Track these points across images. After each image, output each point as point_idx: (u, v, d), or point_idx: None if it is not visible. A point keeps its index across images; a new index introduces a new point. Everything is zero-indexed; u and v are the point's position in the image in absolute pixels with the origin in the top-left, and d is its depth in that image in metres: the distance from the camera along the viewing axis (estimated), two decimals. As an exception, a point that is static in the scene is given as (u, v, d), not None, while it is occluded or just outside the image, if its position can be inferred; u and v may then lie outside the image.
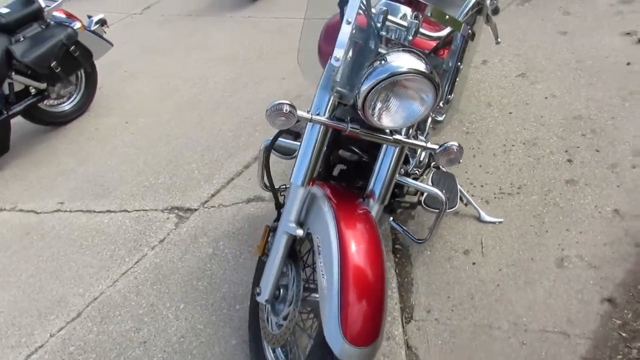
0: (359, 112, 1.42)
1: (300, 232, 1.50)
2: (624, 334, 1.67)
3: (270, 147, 1.66)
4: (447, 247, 2.11)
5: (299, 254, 1.63)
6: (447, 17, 1.42)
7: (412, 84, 1.34)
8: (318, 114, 1.45)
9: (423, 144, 1.55)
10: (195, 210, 2.66)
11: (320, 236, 1.41)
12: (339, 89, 1.42)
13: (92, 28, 3.64)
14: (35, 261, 2.55)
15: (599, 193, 2.18)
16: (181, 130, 3.37)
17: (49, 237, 2.69)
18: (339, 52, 1.36)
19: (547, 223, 2.11)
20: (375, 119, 1.41)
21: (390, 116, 1.41)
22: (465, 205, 2.22)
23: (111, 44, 3.82)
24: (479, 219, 2.19)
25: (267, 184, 2.05)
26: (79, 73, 3.72)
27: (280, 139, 2.00)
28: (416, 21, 1.47)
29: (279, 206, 1.64)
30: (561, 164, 2.37)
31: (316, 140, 1.49)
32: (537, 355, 1.67)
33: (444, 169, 2.15)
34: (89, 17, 3.72)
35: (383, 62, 1.35)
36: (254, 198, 2.64)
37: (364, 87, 1.35)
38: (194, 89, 3.86)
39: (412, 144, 1.54)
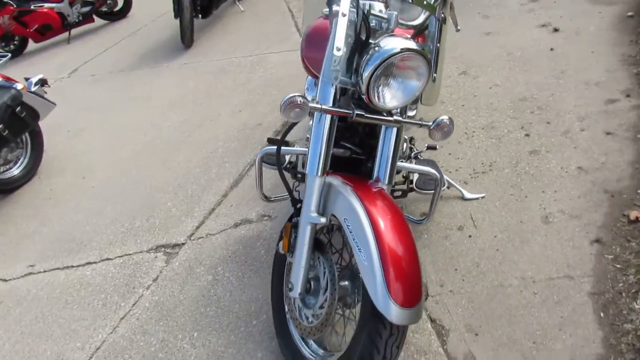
0: (363, 97, 1.55)
1: (323, 220, 1.57)
2: (618, 265, 1.86)
3: (280, 144, 1.74)
4: (441, 228, 2.24)
5: (324, 242, 1.69)
6: (425, 2, 1.60)
7: (408, 62, 1.49)
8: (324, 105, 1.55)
9: (419, 121, 1.70)
10: (183, 244, 2.64)
11: (348, 216, 1.48)
12: (342, 78, 1.54)
13: (33, 89, 3.57)
14: (16, 327, 2.40)
15: (560, 156, 2.43)
16: (146, 175, 3.34)
17: (26, 301, 2.55)
18: (339, 42, 1.49)
19: (524, 189, 2.32)
20: (379, 100, 1.53)
21: (392, 95, 1.54)
22: (448, 188, 2.38)
23: (54, 104, 3.75)
24: (462, 198, 2.36)
25: (266, 194, 2.13)
26: (24, 136, 3.60)
27: (268, 148, 2.09)
28: (394, 12, 1.63)
29: (295, 202, 1.70)
30: (521, 139, 2.61)
31: (325, 130, 1.58)
32: (551, 300, 1.82)
33: (423, 158, 2.31)
34: (27, 79, 3.65)
35: (377, 48, 1.50)
36: (241, 222, 2.67)
37: (367, 73, 1.49)
38: (148, 136, 3.85)
39: (409, 122, 1.69)
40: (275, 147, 2.08)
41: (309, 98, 2.04)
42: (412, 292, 1.39)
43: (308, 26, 1.94)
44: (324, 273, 1.63)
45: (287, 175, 2.12)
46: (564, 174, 2.33)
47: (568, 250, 1.97)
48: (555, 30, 3.47)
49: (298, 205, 1.70)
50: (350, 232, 1.47)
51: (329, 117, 1.58)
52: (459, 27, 1.97)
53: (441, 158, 2.64)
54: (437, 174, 1.98)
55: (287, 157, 2.34)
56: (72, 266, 2.72)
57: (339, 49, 1.50)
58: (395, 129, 1.68)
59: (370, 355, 1.43)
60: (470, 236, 2.17)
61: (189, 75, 4.75)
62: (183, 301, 2.29)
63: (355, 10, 1.53)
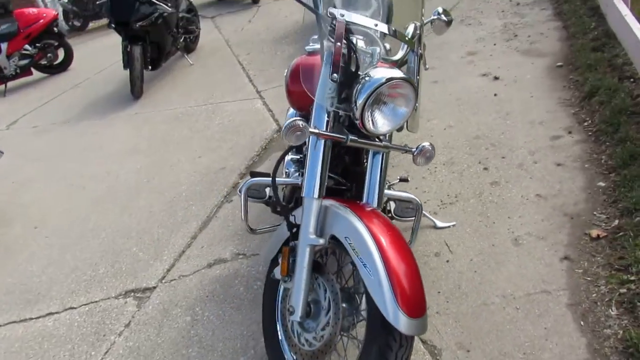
0: (356, 122, 1.65)
1: (322, 241, 1.61)
2: (588, 278, 2.01)
3: (277, 165, 1.79)
4: (419, 255, 2.33)
5: (322, 264, 1.72)
6: (407, 38, 1.76)
7: (397, 89, 1.61)
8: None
9: (404, 147, 1.82)
10: (155, 287, 2.55)
11: (349, 234, 1.54)
12: (337, 105, 1.64)
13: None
14: (-31, 389, 2.19)
15: (519, 186, 2.62)
16: (105, 222, 3.22)
17: (-22, 360, 2.34)
18: (336, 69, 1.60)
19: (491, 217, 2.47)
20: (372, 126, 1.64)
21: (384, 121, 1.66)
22: (420, 218, 2.49)
23: (1, 152, 3.60)
24: (435, 227, 2.48)
25: (251, 227, 2.14)
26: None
27: (254, 180, 2.13)
28: (377, 48, 1.77)
29: (292, 227, 1.73)
30: (480, 172, 2.80)
31: (320, 154, 1.65)
32: (533, 313, 1.92)
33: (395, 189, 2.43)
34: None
35: (368, 77, 1.61)
36: (215, 262, 2.63)
37: (361, 99, 1.59)
38: (104, 183, 3.74)
39: (397, 147, 1.80)
40: (260, 178, 2.13)
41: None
42: (418, 303, 1.44)
43: (291, 64, 2.05)
44: (325, 294, 1.65)
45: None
46: (525, 201, 2.51)
47: (541, 268, 2.11)
48: (496, 78, 3.81)
49: (294, 230, 1.72)
50: (353, 249, 1.52)
51: (323, 142, 1.65)
52: (427, 66, 2.14)
53: (409, 191, 2.76)
54: (417, 200, 2.09)
55: (267, 191, 2.38)
56: (31, 318, 2.54)
57: (335, 78, 1.61)
58: (382, 154, 1.78)
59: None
60: (447, 261, 2.27)
61: (141, 124, 4.71)
62: (161, 344, 2.19)
63: (346, 43, 1.65)
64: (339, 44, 1.62)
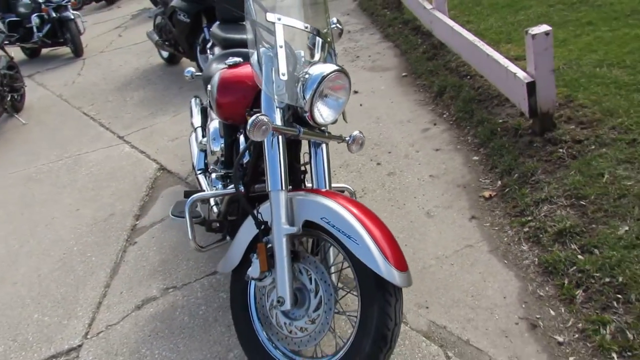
0: (304, 115, 1.81)
1: (296, 229, 1.71)
2: (496, 228, 2.42)
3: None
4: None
5: (299, 251, 1.80)
6: (328, 39, 1.98)
7: (338, 80, 1.82)
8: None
9: (341, 137, 2.02)
10: (80, 345, 2.32)
11: (325, 214, 1.67)
12: (287, 102, 1.78)
13: None
14: None
15: (412, 172, 3.01)
16: (-17, 297, 2.80)
17: None
18: (283, 69, 1.75)
19: (400, 200, 2.79)
20: (320, 116, 1.82)
21: (328, 111, 1.85)
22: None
23: None
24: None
25: (200, 245, 2.13)
26: None
27: (197, 196, 2.13)
28: (301, 50, 1.96)
29: (260, 224, 1.79)
30: (375, 167, 3.15)
31: (280, 148, 1.76)
32: (466, 265, 2.24)
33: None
34: None
35: (309, 74, 1.80)
36: (143, 302, 2.49)
37: (309, 93, 1.76)
38: (-38, 259, 3.22)
39: (337, 138, 1.99)
40: (203, 193, 2.13)
41: (217, 147, 2.20)
42: (402, 259, 1.63)
43: (215, 78, 2.11)
44: (309, 277, 1.74)
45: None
46: (422, 182, 2.90)
47: (457, 229, 2.47)
48: (356, 92, 4.27)
49: (262, 227, 1.79)
50: (333, 226, 1.65)
51: (279, 137, 1.77)
52: (346, 120, 2.31)
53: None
54: (351, 188, 2.30)
55: (201, 211, 2.37)
56: None
57: (284, 74, 1.76)
58: (325, 145, 1.96)
59: (385, 325, 1.58)
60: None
61: (-13, 191, 4.15)
62: (117, 395, 2.01)
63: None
64: (281, 45, 1.78)
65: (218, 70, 2.71)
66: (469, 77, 3.76)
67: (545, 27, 2.54)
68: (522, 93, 2.71)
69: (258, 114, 1.67)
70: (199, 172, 2.73)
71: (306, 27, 1.87)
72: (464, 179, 2.84)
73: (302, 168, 2.16)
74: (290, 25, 1.83)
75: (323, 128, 1.94)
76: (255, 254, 1.81)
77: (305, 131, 1.82)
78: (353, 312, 1.86)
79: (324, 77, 1.77)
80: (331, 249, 1.85)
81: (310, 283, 1.74)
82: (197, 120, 3.14)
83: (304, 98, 1.77)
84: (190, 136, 3.22)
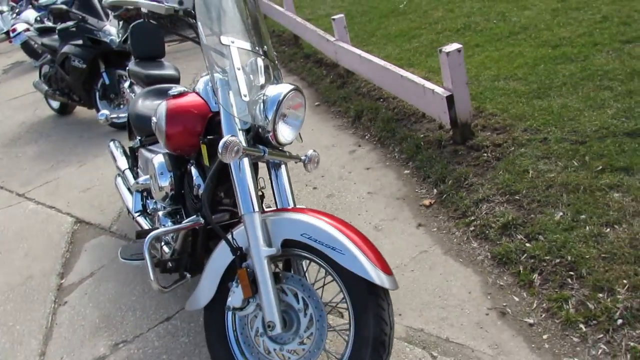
0: (267, 135, 1.80)
1: (274, 250, 1.68)
2: (444, 231, 2.54)
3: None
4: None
5: (279, 272, 1.75)
6: (274, 61, 2.01)
7: (296, 99, 1.84)
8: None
9: (297, 156, 2.03)
10: None
11: (305, 230, 1.65)
12: (251, 122, 1.76)
13: None
14: None
15: (350, 191, 3.09)
16: None
17: None
18: (244, 89, 1.75)
19: (346, 218, 2.82)
20: (282, 136, 1.82)
21: (289, 130, 1.85)
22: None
23: None
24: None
25: (163, 285, 1.99)
26: None
27: (156, 232, 1.99)
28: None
29: (235, 250, 1.72)
30: (313, 192, 3.17)
31: (247, 170, 1.73)
32: (426, 269, 2.33)
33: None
34: None
35: (266, 95, 1.80)
36: (92, 363, 2.25)
37: (271, 113, 1.76)
38: None
39: (294, 157, 2.00)
40: (163, 229, 2.01)
41: (166, 182, 2.12)
42: (385, 262, 1.66)
43: (160, 110, 2.02)
44: (297, 296, 1.70)
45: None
46: (363, 199, 2.97)
47: (408, 238, 2.56)
48: (273, 124, 4.30)
49: (239, 253, 1.72)
50: (315, 241, 1.64)
51: (246, 159, 1.74)
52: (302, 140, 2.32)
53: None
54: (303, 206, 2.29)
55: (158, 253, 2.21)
56: None
57: (246, 95, 1.75)
58: (284, 165, 1.96)
59: (383, 330, 1.58)
60: (335, 262, 2.51)
61: None
62: None
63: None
64: (239, 67, 1.77)
65: (155, 104, 2.61)
66: (382, 100, 3.98)
67: (456, 45, 2.79)
68: (442, 106, 2.92)
69: (227, 136, 1.63)
70: (137, 214, 2.56)
71: (257, 49, 1.88)
72: (400, 191, 2.96)
73: (260, 192, 2.13)
74: (242, 48, 1.83)
75: (282, 148, 1.93)
76: (234, 282, 1.73)
77: (269, 151, 1.81)
78: (341, 325, 1.85)
79: (284, 97, 1.78)
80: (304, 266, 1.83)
81: (298, 302, 1.70)
82: (122, 162, 2.96)
83: (266, 118, 1.76)
84: (116, 181, 3.02)
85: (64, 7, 4.68)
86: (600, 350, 1.75)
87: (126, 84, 3.13)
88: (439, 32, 4.97)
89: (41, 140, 5.30)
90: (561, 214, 2.27)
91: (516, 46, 4.11)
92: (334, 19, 4.40)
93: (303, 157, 2.05)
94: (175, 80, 2.95)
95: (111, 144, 3.27)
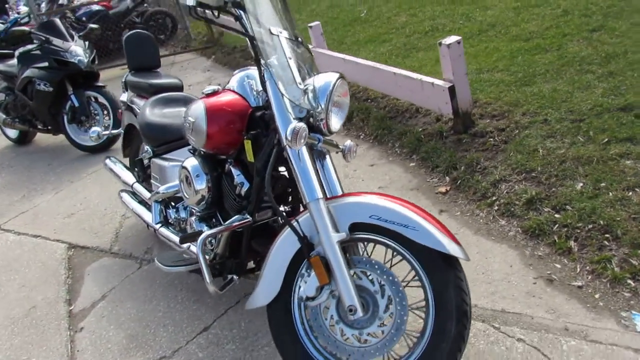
0: (320, 124, 1.81)
1: (345, 235, 1.67)
2: (468, 214, 2.61)
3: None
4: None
5: (350, 257, 1.74)
6: (308, 48, 2.02)
7: (343, 86, 1.87)
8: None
9: (338, 146, 2.05)
10: None
11: (373, 212, 1.66)
12: (308, 108, 1.76)
13: None
14: None
15: (359, 188, 3.11)
16: None
17: None
18: (298, 77, 1.76)
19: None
20: (332, 123, 1.84)
21: (337, 117, 1.87)
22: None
23: None
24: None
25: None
26: None
27: (210, 232, 1.93)
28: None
29: (303, 240, 1.70)
30: (322, 193, 3.16)
31: (307, 159, 1.73)
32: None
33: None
34: None
35: (315, 84, 1.81)
36: (134, 383, 2.13)
37: (323, 101, 1.77)
38: None
39: (336, 147, 2.01)
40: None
41: (203, 185, 2.06)
42: (453, 235, 1.69)
43: (197, 110, 1.97)
44: (371, 279, 1.69)
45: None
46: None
47: (433, 224, 2.60)
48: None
49: (306, 241, 1.70)
50: (386, 221, 1.65)
51: (304, 147, 1.73)
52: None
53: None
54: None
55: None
56: None
57: (301, 84, 1.76)
58: (328, 154, 1.95)
59: (464, 301, 1.61)
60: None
61: None
62: None
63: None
64: (290, 57, 1.78)
65: (170, 111, 2.56)
66: (370, 100, 4.06)
67: (456, 37, 2.91)
68: (444, 98, 3.03)
69: (294, 123, 1.63)
70: (159, 225, 2.47)
71: (298, 39, 1.89)
72: (412, 183, 3.03)
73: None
74: (287, 38, 1.83)
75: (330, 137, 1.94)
76: (304, 272, 1.72)
77: (324, 139, 1.82)
78: (416, 303, 1.84)
79: (334, 85, 1.80)
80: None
81: (373, 285, 1.69)
82: (129, 177, 2.86)
83: (319, 107, 1.77)
84: (121, 197, 2.91)
85: (26, 29, 4.48)
86: (653, 301, 1.86)
87: (123, 97, 2.99)
88: (409, 35, 5.14)
89: (3, 172, 5.00)
90: (581, 184, 2.41)
91: (489, 42, 4.32)
92: (310, 27, 4.47)
93: (342, 147, 2.07)
94: (179, 88, 2.89)
95: (108, 161, 3.15)
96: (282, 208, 2.18)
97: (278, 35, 1.78)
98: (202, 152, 2.16)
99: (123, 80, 3.05)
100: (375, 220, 1.66)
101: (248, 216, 1.98)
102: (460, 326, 1.60)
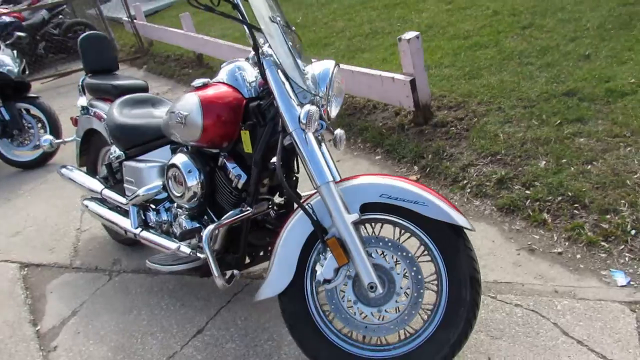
0: (321, 110, 1.84)
1: (357, 215, 1.71)
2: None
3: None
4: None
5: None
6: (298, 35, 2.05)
7: (339, 74, 1.92)
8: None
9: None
10: None
11: (384, 192, 1.72)
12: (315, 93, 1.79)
13: None
14: None
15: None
16: None
17: None
18: (300, 64, 1.78)
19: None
20: (332, 110, 1.89)
21: (335, 103, 1.92)
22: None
23: None
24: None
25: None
26: None
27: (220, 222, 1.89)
28: None
29: (317, 223, 1.71)
30: (293, 190, 3.18)
31: (314, 143, 1.75)
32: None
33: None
34: None
35: (314, 71, 1.85)
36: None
37: (324, 88, 1.82)
38: None
39: (332, 133, 2.05)
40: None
41: (194, 181, 2.03)
42: (457, 208, 1.78)
43: (189, 102, 1.92)
44: (384, 255, 1.74)
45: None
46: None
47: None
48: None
49: (319, 224, 1.72)
50: (396, 199, 1.71)
51: (310, 133, 1.75)
52: None
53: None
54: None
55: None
56: None
57: (304, 70, 1.78)
58: (324, 141, 1.98)
59: (475, 268, 1.70)
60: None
61: None
62: None
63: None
64: (290, 44, 1.80)
65: (143, 111, 2.48)
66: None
67: (414, 33, 3.06)
68: (406, 91, 3.16)
69: (307, 106, 1.66)
70: (140, 230, 2.37)
71: (292, 28, 1.92)
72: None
73: (294, 177, 2.14)
74: (283, 25, 1.85)
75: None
76: (320, 256, 1.73)
77: (326, 125, 1.85)
78: (426, 278, 1.90)
79: (333, 71, 1.84)
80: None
81: (387, 261, 1.74)
82: (95, 184, 2.71)
83: (322, 92, 1.81)
84: (87, 206, 2.75)
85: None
86: (626, 258, 2.05)
87: (80, 102, 2.80)
88: (350, 38, 5.29)
89: None
90: (544, 162, 2.61)
91: (430, 42, 4.56)
92: (257, 30, 4.47)
93: (333, 135, 2.10)
94: (145, 89, 2.79)
95: (64, 170, 2.97)
96: (277, 200, 2.19)
97: (277, 23, 1.80)
98: (189, 148, 2.11)
99: (80, 83, 2.90)
100: (385, 199, 1.71)
101: (249, 208, 1.96)
102: (474, 292, 1.69)
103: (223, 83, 2.00)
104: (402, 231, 1.79)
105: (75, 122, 3.02)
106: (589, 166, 2.49)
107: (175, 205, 2.28)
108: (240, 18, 1.76)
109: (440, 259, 1.72)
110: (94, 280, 2.81)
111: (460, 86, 3.55)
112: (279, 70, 1.78)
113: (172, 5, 10.78)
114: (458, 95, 3.42)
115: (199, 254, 2.08)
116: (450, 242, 1.71)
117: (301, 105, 1.77)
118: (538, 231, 2.32)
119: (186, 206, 2.14)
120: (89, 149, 3.01)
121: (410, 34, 3.05)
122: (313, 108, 1.64)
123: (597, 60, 3.37)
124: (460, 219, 1.68)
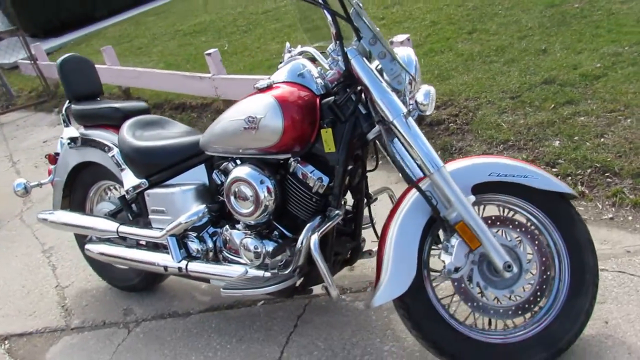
0: (407, 98, 1.79)
1: (473, 197, 1.67)
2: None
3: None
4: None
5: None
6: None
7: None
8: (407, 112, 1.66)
9: None
10: None
11: (491, 170, 1.68)
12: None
13: None
14: None
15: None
16: None
17: None
18: (392, 51, 1.73)
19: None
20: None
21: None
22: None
23: None
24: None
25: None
26: None
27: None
28: None
29: (436, 210, 1.64)
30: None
31: (417, 128, 1.69)
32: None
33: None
34: None
35: (398, 55, 1.80)
36: None
37: (412, 69, 1.78)
38: None
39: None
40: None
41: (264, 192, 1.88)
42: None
43: (262, 104, 1.76)
44: (504, 234, 1.71)
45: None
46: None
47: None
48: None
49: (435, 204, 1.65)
50: (506, 175, 1.68)
51: (411, 118, 1.69)
52: None
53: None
54: (391, 189, 2.29)
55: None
56: None
57: (397, 55, 1.72)
58: None
59: (588, 232, 1.73)
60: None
61: None
62: None
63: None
64: (378, 29, 1.73)
65: (158, 133, 2.30)
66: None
67: (405, 35, 3.12)
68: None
69: (425, 86, 1.63)
70: (186, 262, 2.09)
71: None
72: (390, 178, 3.09)
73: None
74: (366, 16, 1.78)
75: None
76: (445, 244, 1.66)
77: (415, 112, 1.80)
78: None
79: (415, 58, 1.82)
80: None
81: (508, 239, 1.71)
82: (106, 223, 2.34)
83: (412, 78, 1.77)
84: (95, 251, 2.39)
85: None
86: (677, 212, 2.23)
87: (65, 136, 2.41)
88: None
89: None
90: (558, 141, 2.77)
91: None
92: (209, 54, 4.30)
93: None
94: (148, 110, 2.52)
95: (49, 216, 2.57)
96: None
97: (361, 7, 1.72)
98: (241, 161, 1.95)
99: (64, 112, 2.55)
100: (495, 177, 1.69)
101: (338, 211, 1.82)
102: (594, 257, 1.72)
103: (287, 82, 1.86)
104: (508, 211, 1.78)
105: (53, 160, 2.63)
106: (602, 139, 2.68)
107: (224, 228, 2.06)
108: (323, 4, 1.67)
109: (555, 230, 1.73)
110: (108, 336, 2.43)
111: (440, 87, 3.67)
112: (364, 59, 1.71)
113: (73, 43, 10.07)
114: (440, 95, 3.53)
115: (283, 272, 1.88)
116: (563, 210, 1.73)
117: (396, 91, 1.71)
118: (581, 203, 2.44)
119: (252, 223, 1.93)
120: (75, 189, 2.63)
121: (401, 37, 3.11)
122: (431, 88, 1.59)
123: (555, 53, 3.69)
124: (567, 188, 1.72)
